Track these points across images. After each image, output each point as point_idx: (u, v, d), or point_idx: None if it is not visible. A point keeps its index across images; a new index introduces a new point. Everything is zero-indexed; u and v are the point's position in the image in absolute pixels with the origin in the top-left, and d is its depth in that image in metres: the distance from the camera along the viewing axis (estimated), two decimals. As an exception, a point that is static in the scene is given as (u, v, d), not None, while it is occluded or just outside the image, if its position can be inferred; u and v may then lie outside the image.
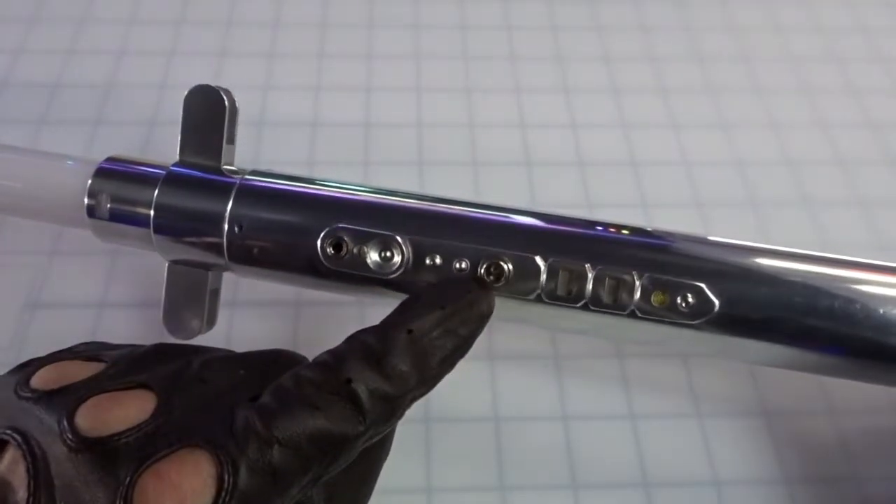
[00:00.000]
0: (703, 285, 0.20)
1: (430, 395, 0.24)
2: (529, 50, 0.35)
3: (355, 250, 0.21)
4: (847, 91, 0.35)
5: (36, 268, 0.27)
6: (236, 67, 0.34)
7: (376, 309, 0.26)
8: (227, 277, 0.24)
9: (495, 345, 0.26)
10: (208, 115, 0.23)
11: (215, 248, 0.22)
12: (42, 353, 0.19)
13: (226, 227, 0.22)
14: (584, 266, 0.21)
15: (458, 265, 0.21)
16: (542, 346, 0.26)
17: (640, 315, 0.20)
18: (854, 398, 0.25)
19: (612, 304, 0.20)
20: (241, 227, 0.22)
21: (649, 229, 0.21)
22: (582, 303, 0.20)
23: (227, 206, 0.22)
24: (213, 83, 0.23)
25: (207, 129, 0.23)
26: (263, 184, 0.22)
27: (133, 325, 0.25)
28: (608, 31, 0.36)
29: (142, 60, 0.34)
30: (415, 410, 0.24)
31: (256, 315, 0.26)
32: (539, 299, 0.21)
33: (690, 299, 0.20)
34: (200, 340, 0.22)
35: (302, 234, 0.21)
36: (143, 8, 0.36)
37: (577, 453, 0.24)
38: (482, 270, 0.21)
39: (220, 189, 0.22)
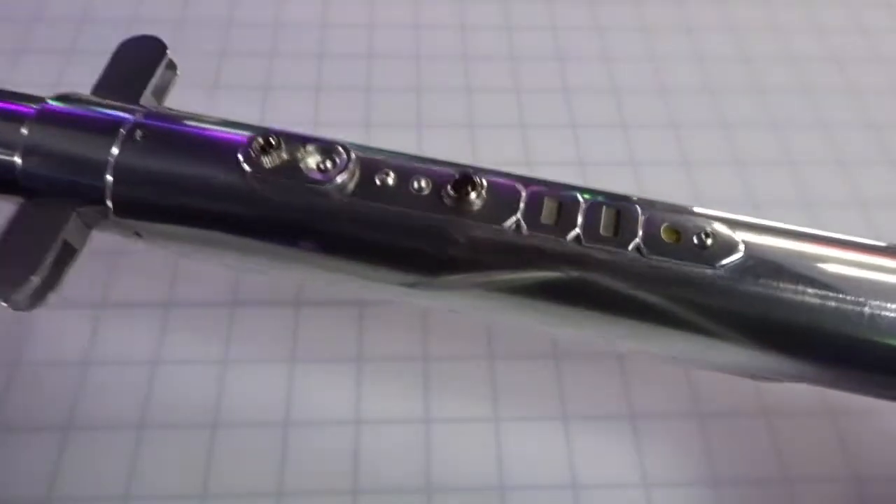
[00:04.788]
0: (722, 225, 0.16)
1: (430, 395, 0.24)
2: (529, 50, 0.35)
3: (286, 154, 0.17)
4: (847, 91, 0.35)
5: (36, 268, 0.27)
6: (236, 67, 0.34)
7: (376, 308, 0.26)
8: (225, 277, 0.24)
9: (495, 344, 0.26)
10: (141, 63, 0.20)
11: (96, 192, 0.18)
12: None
13: (110, 176, 0.18)
14: (576, 194, 0.17)
15: (416, 184, 0.17)
16: (543, 346, 0.26)
17: (646, 254, 0.16)
18: (854, 398, 0.25)
19: (612, 236, 0.16)
20: (132, 171, 0.17)
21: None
22: (573, 234, 0.16)
23: (113, 146, 0.18)
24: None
25: (133, 76, 0.20)
26: (168, 120, 0.18)
27: (133, 325, 0.25)
28: (608, 32, 0.36)
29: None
30: (415, 411, 0.24)
31: (256, 315, 0.26)
32: (517, 230, 0.16)
33: (709, 235, 0.16)
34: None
35: (217, 147, 0.17)
36: (143, 8, 0.36)
37: (578, 453, 0.24)
38: (449, 187, 0.17)
39: (109, 125, 0.18)
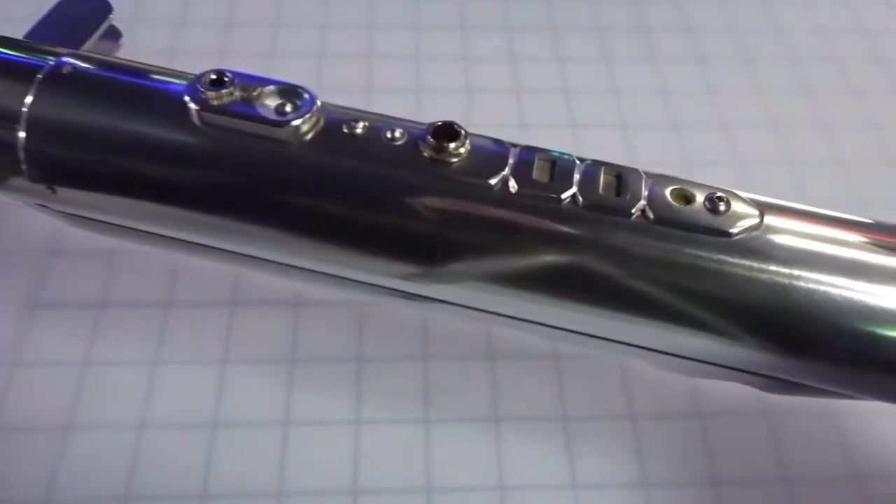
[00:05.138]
0: (738, 199, 0.14)
1: (430, 395, 0.24)
2: (529, 50, 0.35)
3: (239, 93, 0.15)
4: (847, 91, 0.35)
5: (36, 268, 0.27)
6: (236, 67, 0.34)
7: (377, 308, 0.26)
8: (225, 277, 0.24)
9: (495, 344, 0.26)
10: (78, 22, 0.18)
11: (5, 148, 0.15)
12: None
13: (22, 132, 0.15)
14: (572, 157, 0.15)
15: (389, 133, 0.15)
16: (542, 346, 0.26)
17: (651, 218, 0.14)
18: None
19: (614, 196, 0.15)
20: (50, 123, 0.14)
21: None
22: (568, 194, 0.14)
23: (28, 95, 0.15)
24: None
25: (66, 36, 0.18)
26: (100, 63, 0.16)
27: (133, 325, 0.25)
28: (608, 32, 0.36)
29: (141, 60, 0.34)
30: (415, 411, 0.24)
31: (256, 315, 0.26)
32: (503, 187, 0.14)
33: (722, 200, 0.14)
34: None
35: (159, 88, 0.14)
36: (143, 8, 0.36)
37: (578, 453, 0.24)
38: (429, 136, 0.15)
39: (24, 70, 0.15)
